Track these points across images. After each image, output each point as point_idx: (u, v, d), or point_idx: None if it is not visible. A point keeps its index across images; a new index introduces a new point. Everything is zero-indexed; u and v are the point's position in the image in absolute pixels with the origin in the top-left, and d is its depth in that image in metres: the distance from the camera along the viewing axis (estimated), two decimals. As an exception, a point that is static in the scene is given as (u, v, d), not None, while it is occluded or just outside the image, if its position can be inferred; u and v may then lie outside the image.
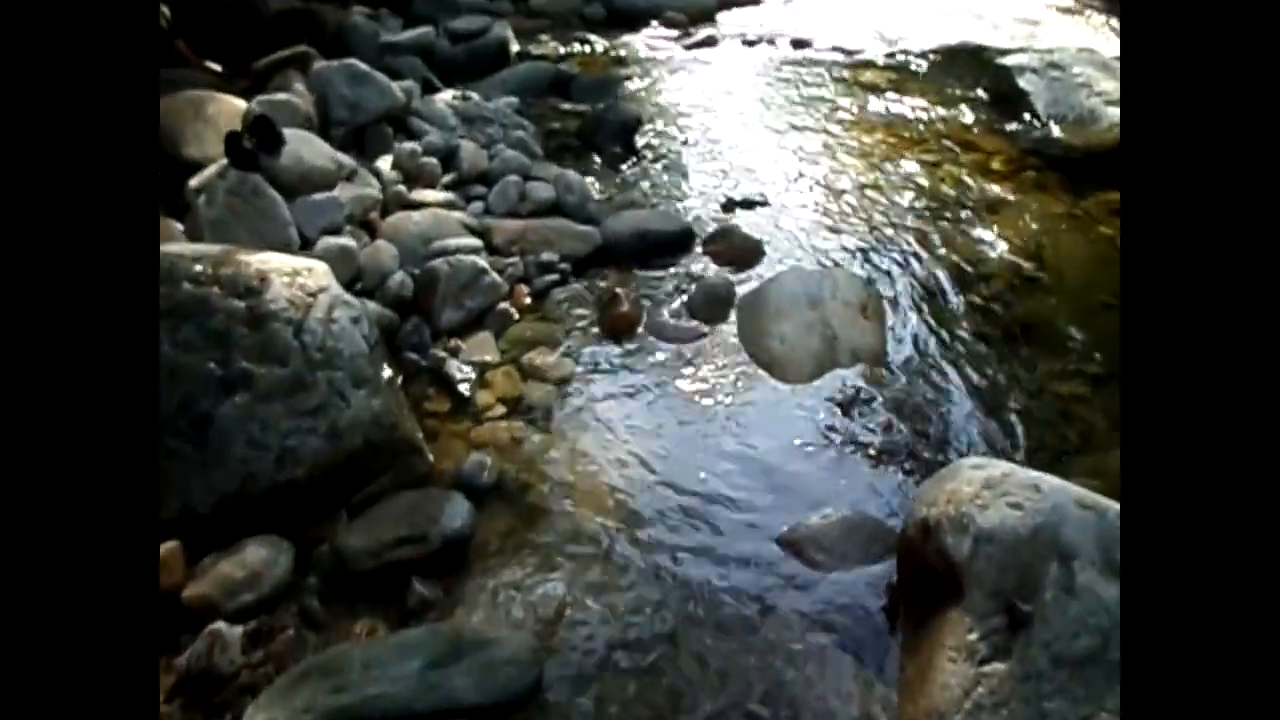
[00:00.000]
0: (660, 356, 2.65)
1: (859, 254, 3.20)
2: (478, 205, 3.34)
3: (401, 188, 3.24)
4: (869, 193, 3.66)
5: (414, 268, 2.85)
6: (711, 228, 3.36)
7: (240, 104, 3.47)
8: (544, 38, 6.81)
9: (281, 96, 3.43)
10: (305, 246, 2.73)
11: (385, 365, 2.29)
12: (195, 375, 2.01)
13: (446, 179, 3.45)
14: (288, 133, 2.91)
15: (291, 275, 2.22)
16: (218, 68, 5.61)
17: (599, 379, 2.55)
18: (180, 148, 3.17)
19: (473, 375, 2.56)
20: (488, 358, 2.64)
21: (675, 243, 3.22)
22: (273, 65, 3.71)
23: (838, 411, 2.41)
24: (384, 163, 3.44)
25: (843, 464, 2.28)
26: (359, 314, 2.25)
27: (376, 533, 1.93)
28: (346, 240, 2.70)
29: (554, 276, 3.02)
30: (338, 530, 1.97)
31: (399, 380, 2.42)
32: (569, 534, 2.06)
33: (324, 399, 2.07)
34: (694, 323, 2.77)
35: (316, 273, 2.27)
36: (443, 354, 2.62)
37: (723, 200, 3.58)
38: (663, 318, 2.78)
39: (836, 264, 3.09)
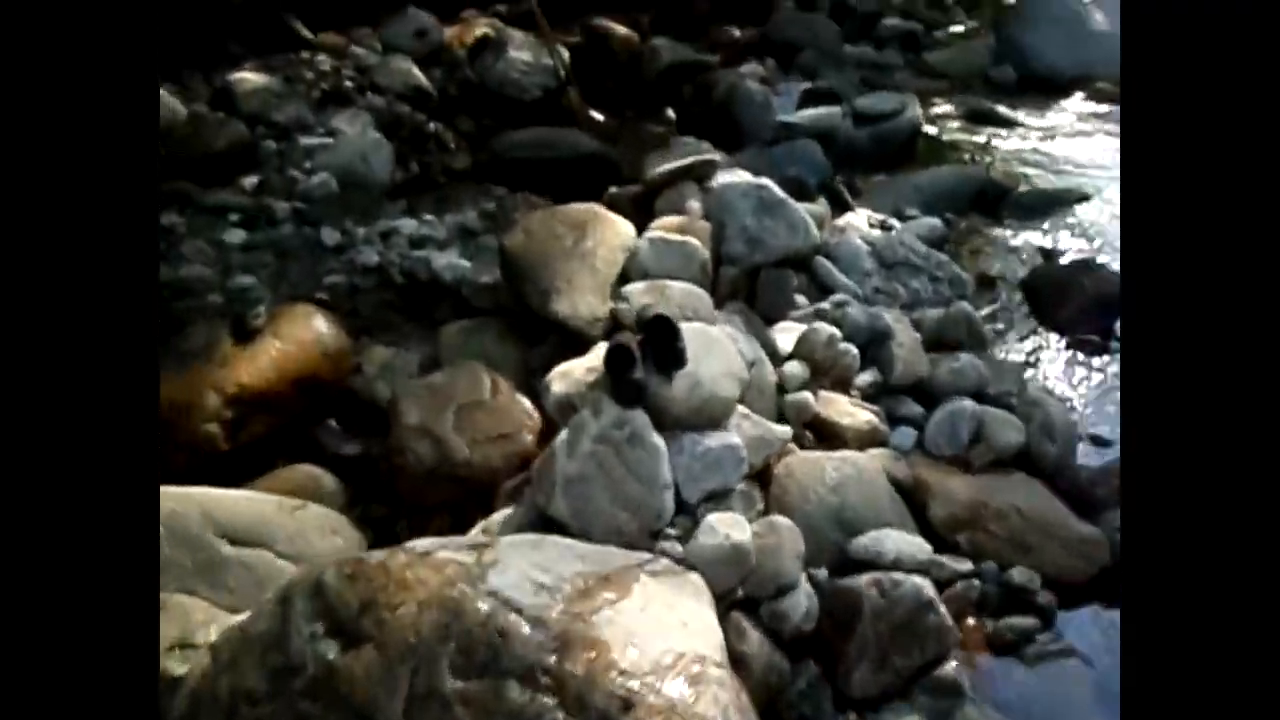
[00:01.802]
0: None
1: None
2: (907, 434, 2.16)
3: (806, 395, 2.15)
4: None
5: (822, 567, 1.77)
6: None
7: (627, 231, 2.57)
8: (943, 106, 5.33)
9: (676, 236, 2.45)
10: (681, 513, 1.75)
11: None
12: None
13: (865, 378, 2.30)
14: (685, 323, 1.93)
15: (663, 700, 1.22)
16: (601, 117, 4.95)
17: None
18: (548, 299, 2.31)
19: (901, 829, 1.44)
20: (926, 790, 1.49)
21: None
22: (669, 177, 2.78)
23: None
24: (784, 337, 2.36)
25: None
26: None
27: None
28: (737, 530, 1.63)
29: (1029, 621, 1.76)
30: None
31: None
32: None
33: None
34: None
35: (706, 690, 1.25)
36: (853, 758, 1.53)
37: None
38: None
39: None
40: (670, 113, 4.88)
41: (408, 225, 2.96)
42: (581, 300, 2.25)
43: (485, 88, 4.46)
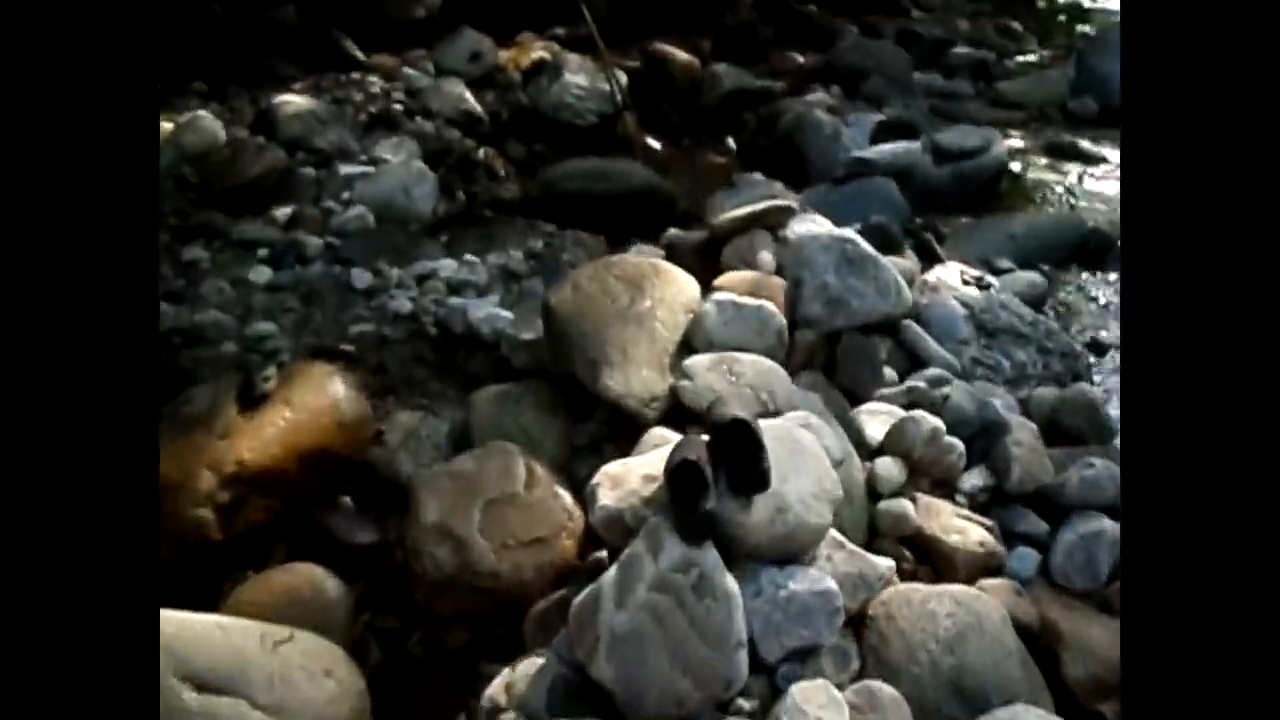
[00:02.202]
0: None
1: None
2: (1027, 558, 1.71)
3: (905, 505, 1.72)
4: None
5: (936, 753, 1.34)
6: None
7: (690, 289, 2.16)
8: (1019, 140, 4.85)
9: (749, 299, 2.04)
10: (755, 671, 1.34)
11: None
12: None
13: (973, 481, 1.86)
14: (767, 421, 1.51)
15: None
16: (658, 145, 4.57)
17: None
18: (599, 372, 1.91)
19: None
20: None
21: None
22: (738, 224, 2.38)
23: None
24: (871, 423, 1.94)
25: None
26: None
27: None
28: (830, 712, 1.19)
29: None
30: None
31: None
32: None
33: None
34: None
35: None
36: None
37: None
38: None
39: None
40: (731, 142, 4.49)
41: (446, 267, 2.61)
42: (636, 375, 1.85)
43: (539, 112, 4.12)
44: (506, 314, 2.36)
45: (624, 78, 4.37)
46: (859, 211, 3.37)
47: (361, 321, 2.36)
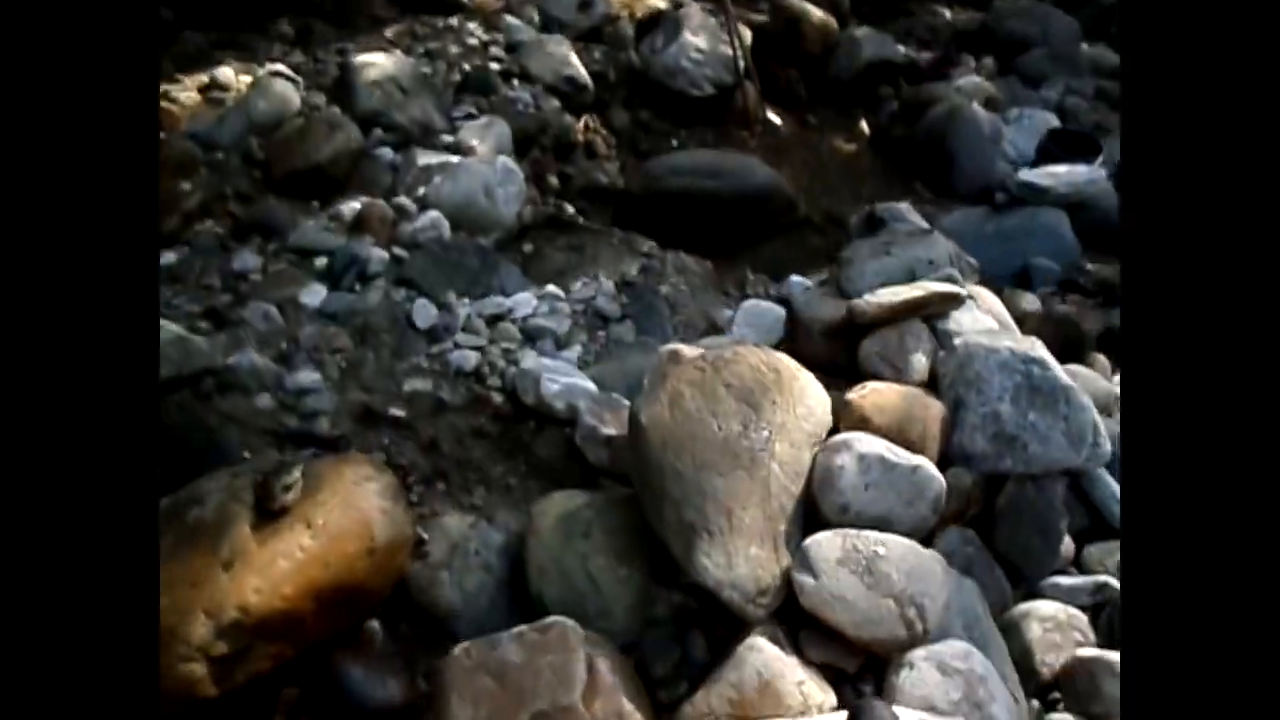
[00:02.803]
0: None
1: None
2: None
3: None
4: None
5: None
6: None
7: (820, 407, 1.54)
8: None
9: (902, 455, 1.38)
10: None
11: None
12: None
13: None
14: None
15: None
16: (779, 120, 3.82)
17: None
18: (693, 543, 1.30)
19: None
20: None
21: None
22: (885, 315, 1.74)
23: None
24: (1045, 643, 1.34)
25: None
26: None
27: None
28: None
29: None
30: None
31: None
32: None
33: None
34: None
35: None
36: None
37: None
38: None
39: None
40: (864, 125, 3.70)
41: (522, 304, 2.08)
42: (742, 554, 1.32)
43: (650, 77, 3.43)
44: (587, 385, 1.84)
45: (748, 35, 3.59)
46: (1017, 252, 2.65)
47: (418, 375, 1.89)
